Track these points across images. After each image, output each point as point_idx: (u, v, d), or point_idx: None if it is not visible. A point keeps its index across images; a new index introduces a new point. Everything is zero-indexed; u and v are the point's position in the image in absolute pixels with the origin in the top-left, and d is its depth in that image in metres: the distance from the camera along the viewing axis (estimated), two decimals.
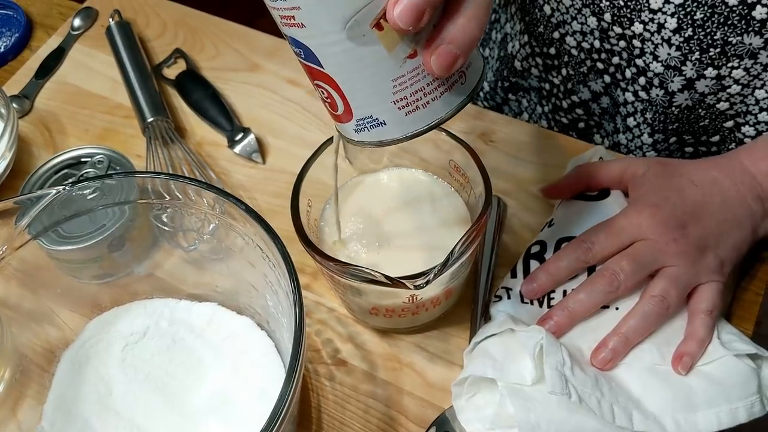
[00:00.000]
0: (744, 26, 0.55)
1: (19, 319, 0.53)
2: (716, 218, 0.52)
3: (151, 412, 0.51)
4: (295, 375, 0.39)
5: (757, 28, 0.54)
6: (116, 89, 0.73)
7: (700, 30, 0.56)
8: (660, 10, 0.57)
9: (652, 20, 0.58)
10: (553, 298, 0.53)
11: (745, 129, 0.62)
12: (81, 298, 0.56)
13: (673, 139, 0.67)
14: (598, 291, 0.51)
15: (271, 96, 0.71)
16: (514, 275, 0.55)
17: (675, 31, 0.57)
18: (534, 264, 0.55)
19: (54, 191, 0.48)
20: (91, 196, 0.50)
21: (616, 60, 0.64)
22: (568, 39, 0.66)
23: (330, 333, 0.57)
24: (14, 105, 0.72)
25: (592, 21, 0.63)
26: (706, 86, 0.60)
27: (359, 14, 0.33)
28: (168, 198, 0.50)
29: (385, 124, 0.38)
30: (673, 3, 0.56)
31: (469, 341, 0.52)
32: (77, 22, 0.79)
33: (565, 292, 0.53)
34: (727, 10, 0.54)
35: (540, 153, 0.65)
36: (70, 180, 0.59)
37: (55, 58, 0.76)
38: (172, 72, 0.74)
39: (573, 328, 0.51)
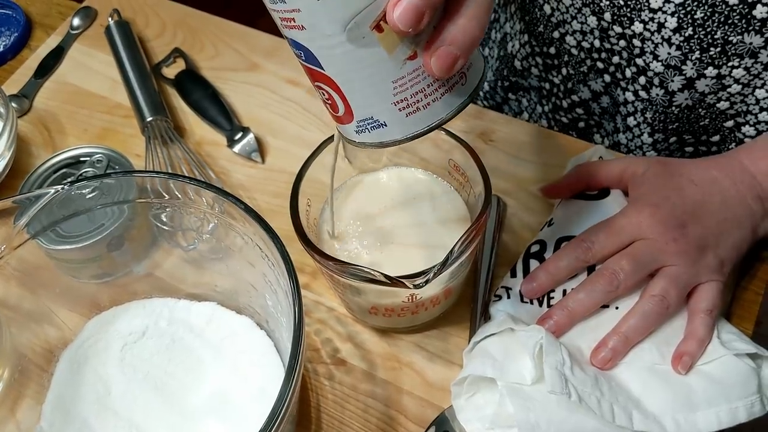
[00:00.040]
0: (744, 25, 0.54)
1: (17, 318, 0.53)
2: (716, 218, 0.52)
3: (150, 412, 0.51)
4: (294, 374, 0.39)
5: (757, 27, 0.54)
6: (115, 89, 0.73)
7: (700, 29, 0.56)
8: (660, 9, 0.57)
9: (652, 19, 0.58)
10: (552, 298, 0.53)
11: (745, 129, 0.62)
12: (80, 297, 0.56)
13: (673, 139, 0.67)
14: (597, 290, 0.51)
15: (270, 96, 0.71)
16: (513, 275, 0.55)
17: (675, 31, 0.57)
18: (534, 263, 0.55)
19: (53, 190, 0.48)
20: (90, 195, 0.50)
21: (616, 59, 0.64)
22: (568, 38, 0.66)
23: (329, 332, 0.57)
24: (13, 104, 0.72)
25: (592, 20, 0.63)
26: (707, 86, 0.60)
27: (359, 16, 0.33)
28: (167, 197, 0.50)
29: (385, 125, 0.38)
30: (673, 2, 0.56)
31: (469, 341, 0.52)
32: (76, 21, 0.79)
33: (564, 291, 0.53)
34: (728, 9, 0.54)
35: (540, 152, 0.65)
36: (69, 179, 0.59)
37: (54, 57, 0.76)
38: (171, 71, 0.74)
39: (573, 328, 0.51)
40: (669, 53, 0.59)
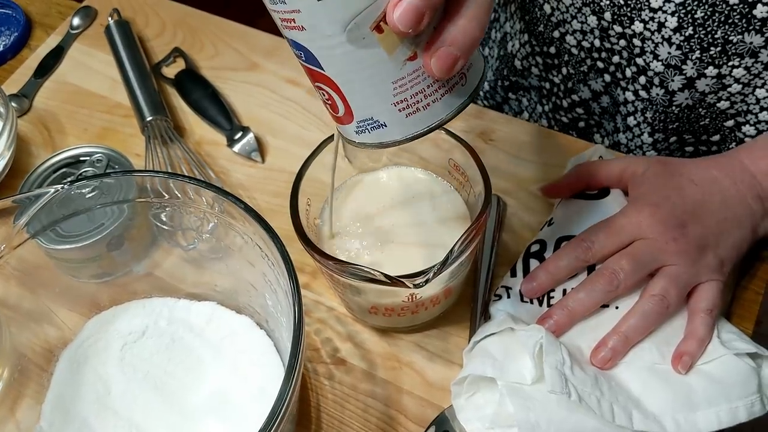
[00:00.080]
0: (745, 25, 0.54)
1: (17, 318, 0.53)
2: (716, 217, 0.52)
3: (150, 411, 0.51)
4: (294, 374, 0.39)
5: (757, 27, 0.54)
6: (115, 88, 0.73)
7: (700, 29, 0.56)
8: (660, 8, 0.57)
9: (652, 19, 0.58)
10: (552, 297, 0.53)
11: (745, 128, 0.62)
12: (80, 297, 0.56)
13: (673, 139, 0.67)
14: (597, 290, 0.50)
15: (270, 95, 0.71)
16: (513, 274, 0.55)
17: (675, 30, 0.57)
18: (534, 263, 0.55)
19: (52, 190, 0.48)
20: (90, 195, 0.50)
21: (616, 59, 0.64)
22: (568, 38, 0.66)
23: (329, 332, 0.57)
24: (13, 104, 0.72)
25: (592, 20, 0.63)
26: (707, 85, 0.60)
27: (359, 17, 0.33)
28: (167, 197, 0.50)
29: (385, 125, 0.38)
30: (673, 2, 0.56)
31: (469, 340, 0.52)
32: (76, 21, 0.79)
33: (564, 291, 0.53)
34: (728, 8, 0.54)
35: (540, 152, 0.65)
36: (69, 179, 0.59)
37: (54, 57, 0.76)
38: (171, 71, 0.74)
39: (573, 327, 0.51)
40: (669, 53, 0.59)
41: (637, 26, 0.59)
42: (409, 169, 0.57)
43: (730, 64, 0.57)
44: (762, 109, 0.60)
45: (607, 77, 0.67)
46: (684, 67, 0.59)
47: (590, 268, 0.53)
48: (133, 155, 0.66)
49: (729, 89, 0.60)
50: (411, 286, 0.44)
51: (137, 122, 0.68)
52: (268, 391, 0.48)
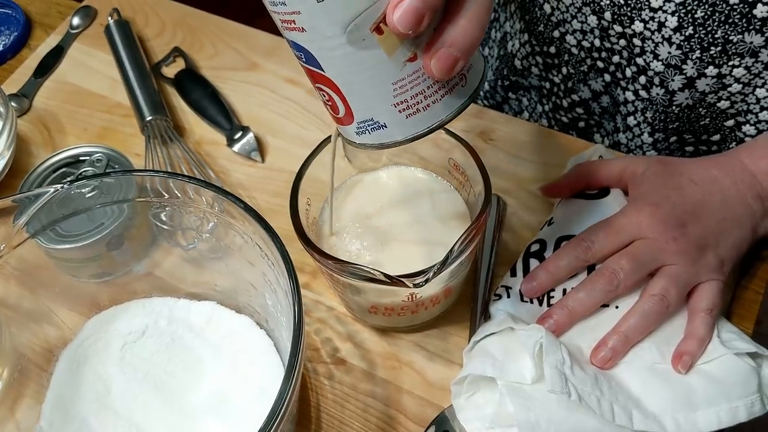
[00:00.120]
0: (745, 24, 0.54)
1: (17, 318, 0.53)
2: (716, 217, 0.52)
3: (150, 411, 0.51)
4: (293, 374, 0.39)
5: (758, 27, 0.54)
6: (115, 88, 0.73)
7: (700, 28, 0.56)
8: (660, 8, 0.57)
9: (652, 19, 0.58)
10: (552, 297, 0.53)
11: (745, 128, 0.62)
12: (79, 297, 0.56)
13: (673, 139, 0.67)
14: (597, 290, 0.50)
15: (270, 95, 0.71)
16: (513, 274, 0.55)
17: (675, 30, 0.57)
18: (534, 262, 0.54)
19: (52, 189, 0.48)
20: (90, 194, 0.50)
21: (616, 59, 0.64)
22: (568, 38, 0.66)
23: (329, 332, 0.57)
24: (13, 104, 0.72)
25: (593, 20, 0.63)
26: (707, 85, 0.60)
27: (359, 18, 0.33)
28: (167, 196, 0.50)
29: (385, 126, 0.38)
30: (673, 1, 0.56)
31: (469, 340, 0.52)
32: (76, 20, 0.79)
33: (564, 290, 0.52)
34: (728, 8, 0.54)
35: (540, 152, 0.65)
36: (69, 178, 0.59)
37: (54, 56, 0.76)
38: (171, 71, 0.74)
39: (573, 327, 0.51)
40: (669, 52, 0.59)
41: (638, 26, 0.59)
42: (409, 169, 0.57)
43: (731, 63, 0.57)
44: (762, 108, 0.60)
45: (607, 77, 0.67)
46: (684, 66, 0.59)
47: (590, 268, 0.53)
48: (132, 155, 0.66)
49: (729, 89, 0.59)
50: (411, 285, 0.44)
51: (137, 122, 0.68)
52: (267, 391, 0.48)
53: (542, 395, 0.46)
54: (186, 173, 0.64)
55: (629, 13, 0.59)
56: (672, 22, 0.57)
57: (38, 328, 0.54)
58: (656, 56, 0.60)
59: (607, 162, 0.58)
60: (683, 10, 0.56)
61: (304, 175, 0.51)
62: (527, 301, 0.53)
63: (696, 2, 0.55)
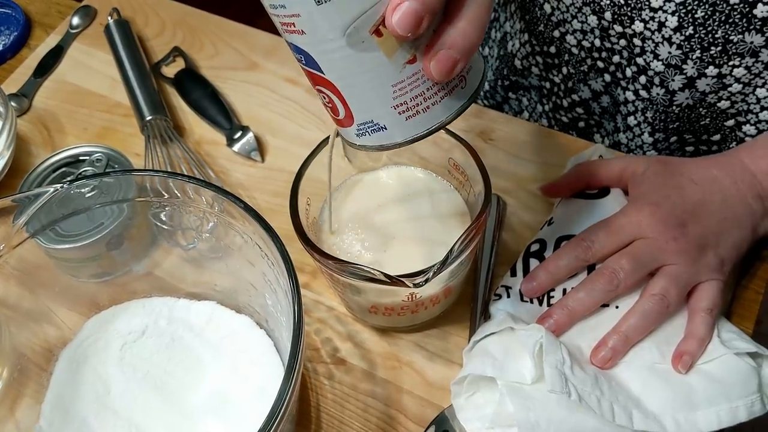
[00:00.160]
0: (745, 24, 0.54)
1: (17, 318, 0.53)
2: (716, 217, 0.52)
3: (150, 411, 0.51)
4: (293, 373, 0.39)
5: (758, 27, 0.54)
6: (115, 88, 0.73)
7: (701, 28, 0.56)
8: (661, 8, 0.57)
9: (652, 18, 0.58)
10: (552, 297, 0.53)
11: (746, 128, 0.62)
12: (79, 296, 0.56)
13: (673, 138, 0.67)
14: (597, 289, 0.50)
15: (270, 95, 0.71)
16: (513, 274, 0.55)
17: (676, 30, 0.57)
18: (534, 262, 0.54)
19: (52, 189, 0.48)
20: (90, 194, 0.50)
21: (616, 59, 0.64)
22: (569, 38, 0.66)
23: (329, 332, 0.57)
24: (13, 103, 0.72)
25: (593, 19, 0.62)
26: (707, 85, 0.60)
27: (358, 21, 0.33)
28: (167, 196, 0.50)
29: (385, 128, 0.38)
30: (674, 1, 0.56)
31: (469, 340, 0.52)
32: (76, 20, 0.79)
33: (564, 290, 0.52)
34: (728, 8, 0.54)
35: (539, 151, 0.65)
36: (69, 178, 0.59)
37: (54, 56, 0.76)
38: (170, 70, 0.74)
39: (573, 327, 0.51)
40: (669, 52, 0.59)
41: (638, 26, 0.59)
42: (408, 169, 0.57)
43: (731, 63, 0.57)
44: (762, 108, 0.60)
45: (608, 77, 0.67)
46: (684, 66, 0.59)
47: (590, 268, 0.53)
48: (132, 155, 0.66)
49: (729, 89, 0.59)
50: (411, 285, 0.44)
51: (137, 122, 0.68)
52: (267, 391, 0.48)
53: (542, 395, 0.46)
54: (186, 173, 0.64)
55: (629, 13, 0.59)
56: (672, 22, 0.57)
57: (38, 328, 0.53)
58: (656, 56, 0.60)
59: (607, 162, 0.58)
60: (683, 10, 0.56)
61: (303, 175, 0.51)
62: (527, 301, 0.53)
63: (696, 2, 0.55)
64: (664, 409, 0.47)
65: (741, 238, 0.53)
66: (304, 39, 0.35)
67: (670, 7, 0.56)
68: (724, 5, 0.54)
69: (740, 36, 0.55)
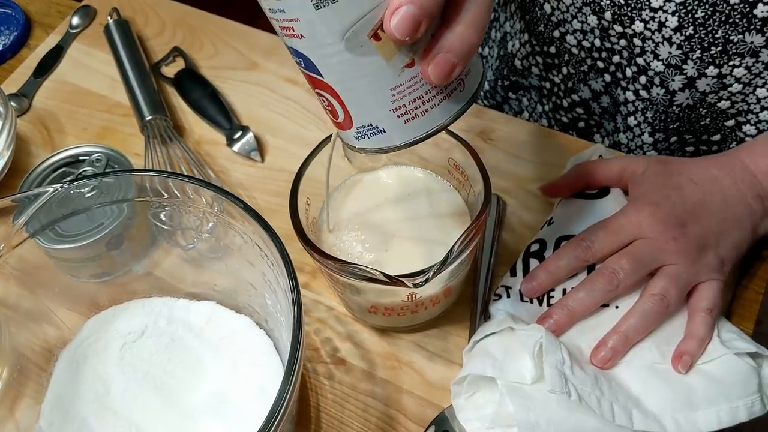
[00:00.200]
0: (745, 24, 0.54)
1: (16, 318, 0.53)
2: (716, 217, 0.52)
3: (150, 411, 0.51)
4: (293, 373, 0.39)
5: (758, 27, 0.54)
6: (115, 88, 0.73)
7: (701, 28, 0.56)
8: (661, 8, 0.57)
9: (652, 19, 0.58)
10: (552, 297, 0.53)
11: (746, 128, 0.62)
12: (79, 296, 0.56)
13: (673, 139, 0.67)
14: (597, 289, 0.50)
15: (269, 94, 0.71)
16: (513, 274, 0.55)
17: (676, 30, 0.57)
18: (533, 262, 0.54)
19: (51, 189, 0.48)
20: (89, 194, 0.50)
21: (616, 59, 0.64)
22: (569, 38, 0.66)
23: (329, 332, 0.57)
24: (12, 103, 0.72)
25: (593, 20, 0.62)
26: (707, 85, 0.60)
27: (357, 25, 0.34)
28: (166, 196, 0.50)
29: (384, 131, 0.38)
30: (674, 1, 0.56)
31: (469, 340, 0.52)
32: (76, 20, 0.79)
33: (564, 290, 0.52)
34: (729, 8, 0.54)
35: (539, 151, 0.65)
36: (68, 178, 0.59)
37: (54, 56, 0.76)
38: (170, 70, 0.74)
39: (572, 327, 0.51)
40: (670, 52, 0.59)
41: (638, 26, 0.59)
42: (408, 169, 0.57)
43: (731, 63, 0.57)
44: (763, 108, 0.60)
45: (608, 77, 0.67)
46: (684, 66, 0.59)
47: (590, 268, 0.53)
48: (132, 155, 0.66)
49: (730, 89, 0.59)
50: (410, 285, 0.44)
51: (136, 121, 0.68)
52: (267, 391, 0.48)
53: (542, 395, 0.46)
54: (185, 173, 0.64)
55: (629, 13, 0.59)
56: (672, 22, 0.57)
57: (38, 328, 0.53)
58: (656, 56, 0.60)
59: (606, 162, 0.58)
60: (684, 10, 0.56)
61: (303, 175, 0.50)
62: (527, 301, 0.53)
63: (696, 2, 0.55)
64: (664, 409, 0.47)
65: (741, 238, 0.53)
66: (303, 43, 0.35)
67: (670, 7, 0.56)
68: (725, 5, 0.54)
69: (740, 36, 0.55)
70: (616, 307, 0.51)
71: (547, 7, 0.66)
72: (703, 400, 0.47)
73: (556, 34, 0.67)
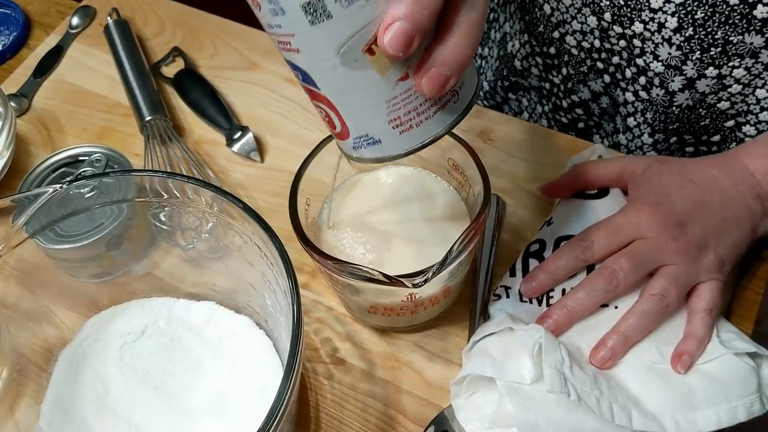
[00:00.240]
0: (745, 25, 0.54)
1: (16, 318, 0.53)
2: (716, 217, 0.52)
3: (149, 411, 0.51)
4: (293, 373, 0.39)
5: (758, 27, 0.54)
6: (114, 88, 0.73)
7: (700, 29, 0.56)
8: (660, 9, 0.57)
9: (652, 19, 0.58)
10: (552, 297, 0.53)
11: (745, 128, 0.62)
12: (79, 297, 0.56)
13: (673, 139, 0.67)
14: (597, 290, 0.50)
15: (269, 95, 0.71)
16: (513, 274, 0.55)
17: (675, 31, 0.57)
18: (533, 262, 0.54)
19: (51, 189, 0.48)
20: (89, 194, 0.50)
21: (616, 59, 0.64)
22: (568, 38, 0.66)
23: (328, 332, 0.57)
24: (12, 104, 0.71)
25: (592, 20, 0.63)
26: (707, 86, 0.60)
27: (351, 41, 0.34)
28: (166, 196, 0.50)
29: (380, 142, 0.39)
30: (673, 2, 0.56)
31: (468, 340, 0.52)
32: (75, 20, 0.79)
33: (564, 290, 0.52)
34: (728, 9, 0.54)
35: (539, 151, 0.65)
36: (68, 178, 0.59)
37: (53, 56, 0.76)
38: (170, 70, 0.74)
39: (572, 327, 0.51)
40: (669, 53, 0.59)
41: (637, 27, 0.59)
42: (408, 169, 0.57)
43: (731, 64, 0.57)
44: (762, 109, 0.60)
45: (607, 78, 0.67)
46: (684, 67, 0.59)
47: (590, 268, 0.53)
48: (132, 155, 0.66)
49: (729, 90, 0.59)
50: (410, 285, 0.44)
51: (136, 122, 0.68)
52: (267, 391, 0.48)
53: (541, 395, 0.46)
54: (185, 173, 0.64)
55: (629, 14, 0.59)
56: (672, 23, 0.57)
57: (37, 328, 0.53)
58: (656, 57, 0.60)
59: (606, 162, 0.58)
60: (683, 11, 0.56)
61: (303, 175, 0.51)
62: (526, 301, 0.53)
63: (696, 3, 0.55)
64: (663, 409, 0.47)
65: (740, 238, 0.53)
66: (300, 57, 0.36)
67: (669, 8, 0.56)
68: (724, 6, 0.54)
69: (740, 37, 0.55)
70: (616, 307, 0.51)
71: (547, 8, 0.66)
72: (703, 400, 0.47)
73: (556, 34, 0.67)
